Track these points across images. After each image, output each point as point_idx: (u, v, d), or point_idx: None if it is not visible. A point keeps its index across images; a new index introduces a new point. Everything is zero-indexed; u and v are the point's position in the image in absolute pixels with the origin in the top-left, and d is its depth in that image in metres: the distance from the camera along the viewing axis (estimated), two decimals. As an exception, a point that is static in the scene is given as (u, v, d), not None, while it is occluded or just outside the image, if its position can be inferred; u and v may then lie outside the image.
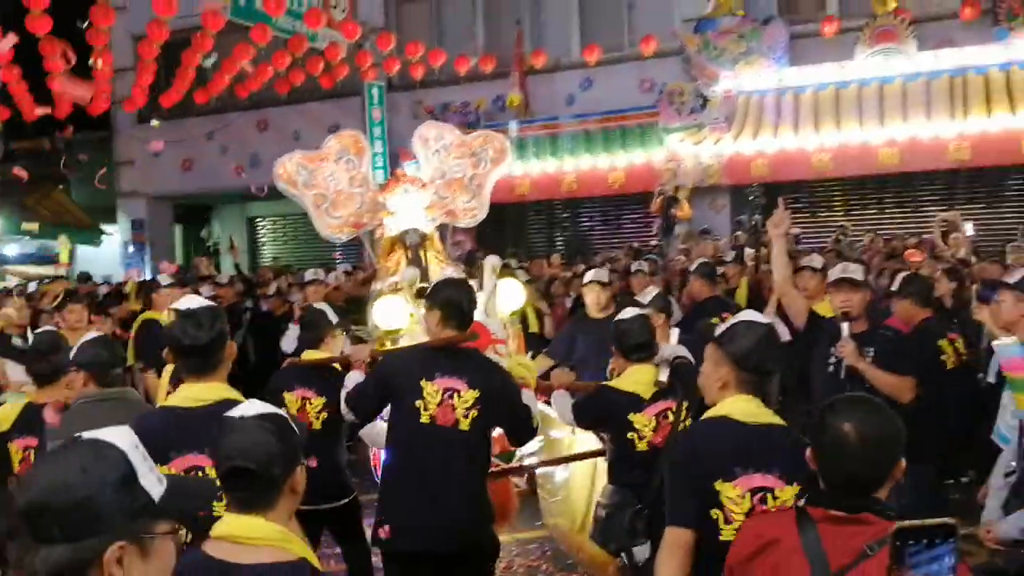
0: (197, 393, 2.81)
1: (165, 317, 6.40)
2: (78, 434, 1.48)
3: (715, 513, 2.58)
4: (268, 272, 12.36)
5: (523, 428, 3.85)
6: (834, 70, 12.32)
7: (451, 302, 3.73)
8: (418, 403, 3.59)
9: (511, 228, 14.48)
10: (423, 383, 3.60)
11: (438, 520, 3.52)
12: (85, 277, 13.71)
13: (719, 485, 2.58)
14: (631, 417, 3.86)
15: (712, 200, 13.07)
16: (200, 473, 2.65)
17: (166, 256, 17.01)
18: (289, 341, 6.20)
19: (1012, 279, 4.35)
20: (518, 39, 14.22)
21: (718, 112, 12.57)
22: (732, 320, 2.88)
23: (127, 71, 14.98)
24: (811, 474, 2.26)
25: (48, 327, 5.65)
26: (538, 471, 4.84)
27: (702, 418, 2.86)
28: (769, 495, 2.57)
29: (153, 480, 1.46)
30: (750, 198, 12.89)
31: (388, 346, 4.76)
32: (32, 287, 11.40)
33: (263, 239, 19.05)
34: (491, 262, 5.30)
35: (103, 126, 17.40)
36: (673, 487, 2.71)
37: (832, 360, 4.46)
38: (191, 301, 2.94)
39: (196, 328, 2.78)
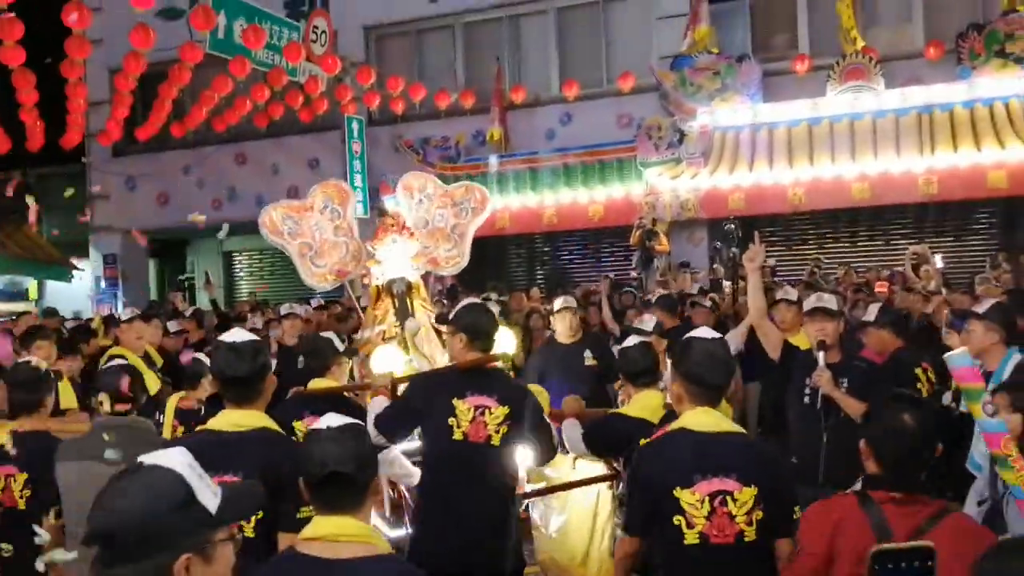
0: (236, 419, 2.97)
1: (131, 353, 6.36)
2: (139, 460, 1.62)
3: (677, 519, 2.79)
4: (245, 306, 12.30)
5: (547, 445, 3.95)
6: (806, 107, 12.61)
7: (475, 326, 3.87)
8: (451, 420, 3.70)
9: (491, 262, 14.55)
10: (455, 401, 3.71)
11: (470, 536, 3.59)
12: (51, 312, 13.48)
13: (678, 492, 2.79)
14: (641, 443, 3.93)
15: (690, 234, 13.26)
16: None
17: (140, 291, 16.86)
18: None
19: (981, 309, 4.53)
20: (498, 75, 14.41)
21: (695, 147, 12.78)
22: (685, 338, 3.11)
23: (102, 104, 14.93)
24: (777, 473, 2.68)
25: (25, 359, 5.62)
26: (534, 514, 4.83)
27: (662, 432, 3.09)
28: (728, 498, 2.77)
29: (209, 495, 1.62)
30: (725, 227, 13.05)
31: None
32: (-1, 322, 11.15)
33: (239, 274, 18.93)
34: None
35: (76, 159, 17.27)
36: (631, 499, 3.07)
37: (807, 391, 4.56)
38: (236, 334, 3.08)
39: (238, 360, 2.94)
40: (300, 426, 4.40)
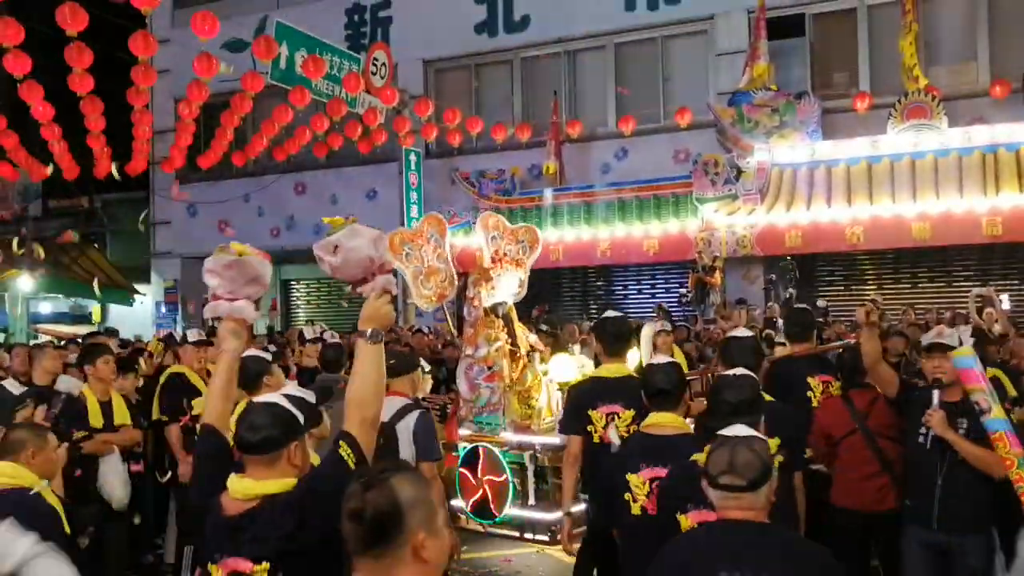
0: (246, 487, 2.58)
1: (190, 371, 6.61)
2: None
3: (627, 496, 3.62)
4: (295, 332, 12.41)
5: None
6: (866, 144, 12.42)
7: (616, 333, 4.75)
8: (589, 428, 4.50)
9: (545, 294, 14.53)
10: (590, 412, 4.50)
11: None
12: (111, 332, 13.78)
13: (629, 476, 3.63)
14: None
15: (746, 271, 13.10)
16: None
17: (198, 316, 17.14)
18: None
19: None
20: (555, 109, 14.48)
21: (751, 183, 12.66)
22: None
23: (167, 132, 15.33)
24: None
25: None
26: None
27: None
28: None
29: None
30: (781, 265, 12.87)
31: None
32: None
33: (296, 302, 19.17)
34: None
35: (141, 186, 17.73)
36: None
37: (922, 430, 4.29)
38: (270, 396, 2.75)
39: (249, 429, 2.56)
40: None
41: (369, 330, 2.71)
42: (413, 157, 14.98)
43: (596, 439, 4.45)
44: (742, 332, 4.82)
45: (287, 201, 16.63)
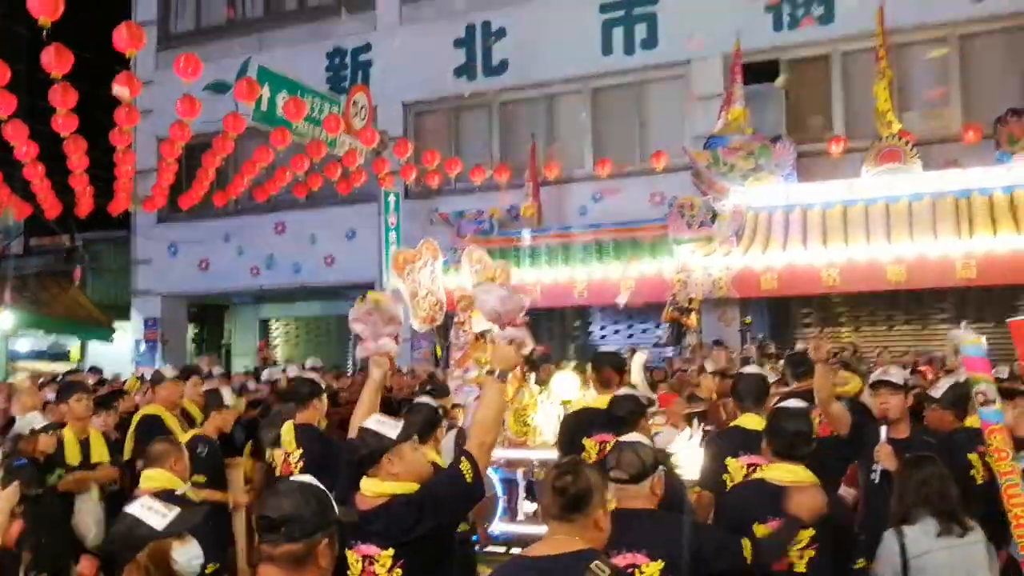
0: (376, 487, 3.16)
1: (164, 412, 6.56)
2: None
3: None
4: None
5: None
6: (841, 188, 12.53)
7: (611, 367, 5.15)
8: (584, 455, 4.68)
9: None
10: (584, 441, 4.83)
11: None
12: (95, 370, 13.72)
13: None
14: None
15: (722, 312, 13.16)
16: None
17: (178, 354, 17.09)
18: None
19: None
20: (532, 151, 14.61)
21: (727, 226, 12.74)
22: None
23: (149, 172, 15.38)
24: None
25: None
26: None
27: None
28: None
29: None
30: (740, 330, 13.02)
31: None
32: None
33: (275, 341, 19.13)
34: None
35: (122, 225, 17.75)
36: None
37: (874, 466, 4.42)
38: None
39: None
40: None
41: (497, 370, 3.41)
42: (392, 198, 15.05)
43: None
44: (752, 369, 5.10)
45: (267, 241, 16.67)
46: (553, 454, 5.90)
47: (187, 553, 2.49)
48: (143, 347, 17.93)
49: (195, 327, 19.46)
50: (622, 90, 14.74)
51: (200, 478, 5.35)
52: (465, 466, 3.17)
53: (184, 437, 6.16)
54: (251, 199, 14.87)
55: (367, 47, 16.24)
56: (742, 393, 4.74)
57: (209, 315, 19.63)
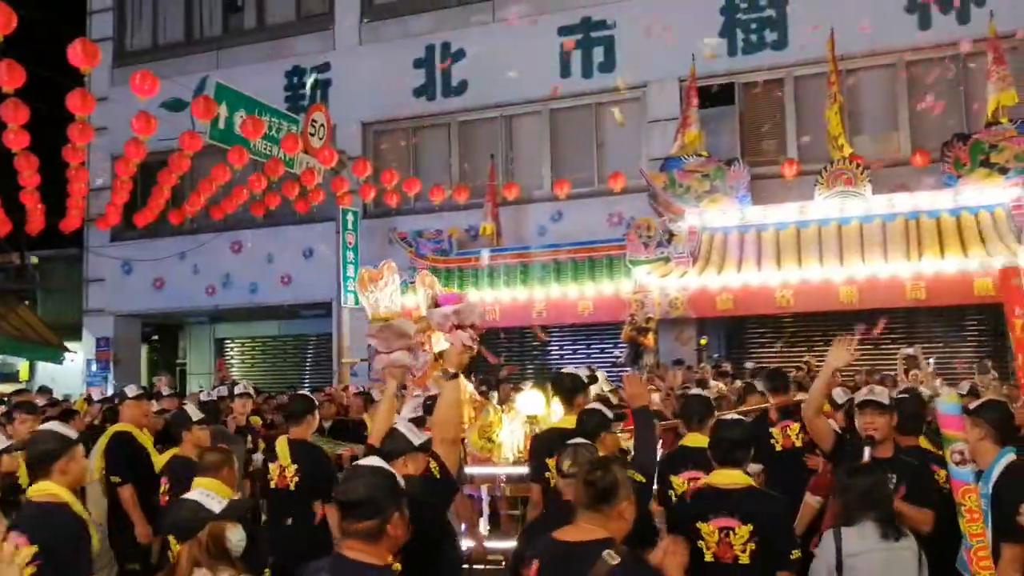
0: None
1: (134, 429, 6.54)
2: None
3: None
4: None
5: None
6: (794, 210, 12.75)
7: (571, 388, 5.25)
8: (547, 475, 4.76)
9: (481, 354, 14.56)
10: (547, 460, 4.76)
11: None
12: (44, 391, 13.45)
13: None
14: None
15: (679, 332, 13.28)
16: None
17: (131, 375, 16.82)
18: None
19: (971, 406, 4.51)
20: (491, 172, 14.68)
21: (683, 247, 12.89)
22: None
23: (103, 190, 15.19)
24: None
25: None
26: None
27: None
28: None
29: None
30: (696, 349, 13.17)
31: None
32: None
33: (230, 360, 18.92)
34: None
35: (74, 243, 17.48)
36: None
37: None
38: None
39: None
40: None
41: (448, 371, 3.90)
42: (351, 217, 15.01)
43: (552, 484, 4.86)
44: (696, 391, 5.59)
45: (223, 259, 16.50)
46: (517, 469, 6.02)
47: (238, 535, 2.89)
48: (95, 367, 17.62)
49: (149, 347, 19.18)
50: (580, 112, 14.87)
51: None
52: (432, 465, 3.59)
53: (160, 458, 6.15)
54: (207, 217, 14.74)
55: (326, 66, 16.23)
56: (687, 414, 5.22)
57: (163, 335, 19.36)
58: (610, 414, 4.89)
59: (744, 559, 3.79)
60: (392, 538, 2.74)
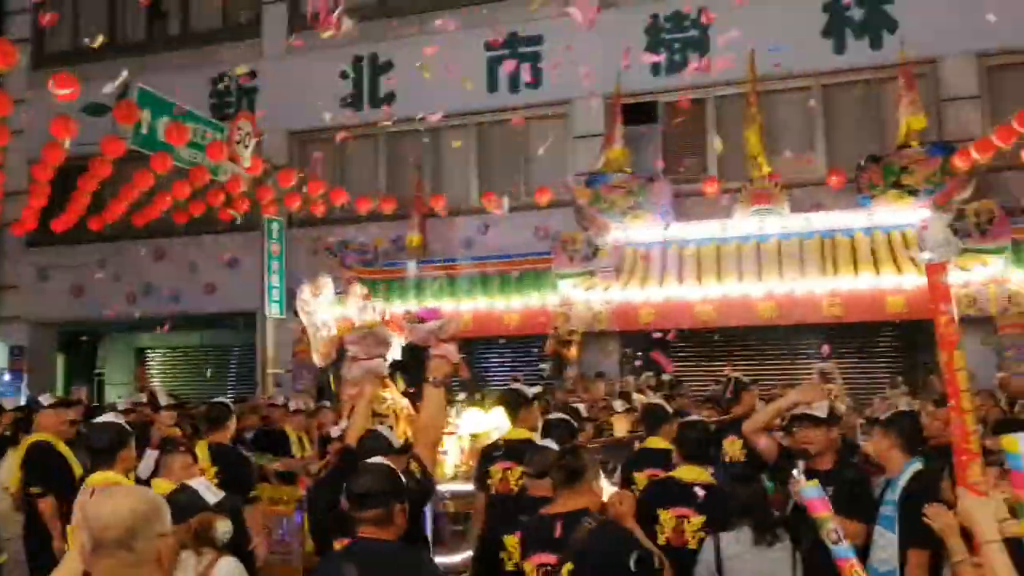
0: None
1: (53, 438, 6.42)
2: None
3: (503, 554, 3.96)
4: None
5: None
6: (715, 227, 13.05)
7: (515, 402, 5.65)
8: (489, 482, 5.37)
9: (407, 365, 14.53)
10: (490, 468, 5.37)
11: None
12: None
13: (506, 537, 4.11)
14: None
15: (602, 345, 13.45)
16: None
17: (46, 385, 16.33)
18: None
19: (883, 417, 4.68)
20: (419, 184, 14.69)
21: (608, 261, 13.05)
22: None
23: (19, 194, 14.76)
24: None
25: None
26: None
27: None
28: None
29: None
30: (637, 352, 13.34)
31: None
32: None
33: (152, 371, 18.51)
34: None
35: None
36: None
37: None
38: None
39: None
40: None
41: (433, 378, 4.14)
42: (275, 226, 14.87)
43: (493, 491, 5.31)
44: (654, 399, 6.29)
45: (144, 268, 16.17)
46: (461, 486, 6.27)
47: (224, 526, 3.31)
48: (7, 377, 17.07)
49: (65, 356, 18.65)
50: (507, 126, 14.98)
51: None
52: (414, 466, 3.91)
53: (80, 468, 6.03)
54: (129, 224, 14.43)
55: (253, 74, 16.08)
56: (647, 421, 5.89)
57: (81, 344, 18.85)
58: (575, 424, 5.54)
59: (692, 545, 4.37)
60: (398, 525, 3.16)
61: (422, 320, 5.86)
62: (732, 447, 6.25)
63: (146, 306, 16.21)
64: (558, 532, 3.53)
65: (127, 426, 4.47)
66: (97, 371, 18.59)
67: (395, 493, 3.17)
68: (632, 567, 3.44)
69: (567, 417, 5.49)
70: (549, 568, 3.54)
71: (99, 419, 4.71)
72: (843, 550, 3.65)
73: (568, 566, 3.45)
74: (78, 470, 6.13)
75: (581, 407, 8.56)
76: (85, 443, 4.46)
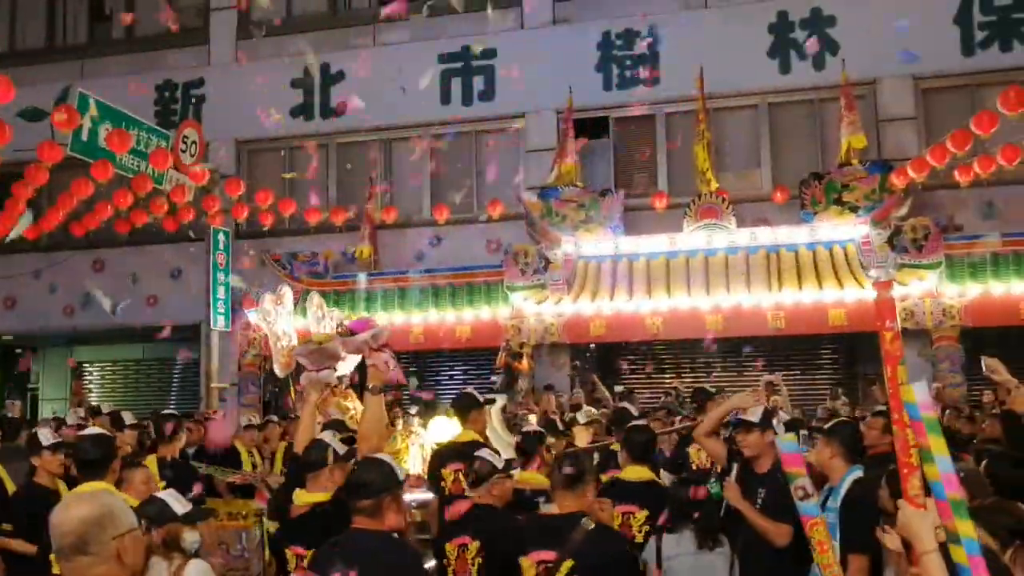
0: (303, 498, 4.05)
1: None
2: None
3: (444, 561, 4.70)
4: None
5: None
6: (664, 241, 13.24)
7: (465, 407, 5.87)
8: (441, 484, 5.60)
9: (358, 377, 14.37)
10: (442, 471, 5.58)
11: None
12: None
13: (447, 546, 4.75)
14: None
15: (554, 358, 13.49)
16: None
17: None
18: None
19: (825, 427, 4.84)
20: (370, 195, 14.59)
21: (559, 274, 13.15)
22: None
23: (-49, 202, 14.25)
24: None
25: None
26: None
27: None
28: None
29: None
30: (587, 355, 13.39)
31: None
32: None
33: (89, 385, 17.98)
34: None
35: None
36: None
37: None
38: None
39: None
40: None
41: (372, 386, 4.27)
42: (222, 237, 14.58)
43: (446, 492, 5.49)
44: (626, 405, 6.93)
45: (83, 279, 15.70)
46: (426, 495, 6.25)
47: (192, 536, 3.45)
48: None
49: (-2, 370, 18.03)
50: (460, 139, 14.97)
51: (7, 526, 5.12)
52: None
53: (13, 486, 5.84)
54: (67, 234, 14.01)
55: (200, 82, 15.82)
56: (614, 427, 6.45)
57: (14, 357, 18.21)
58: (544, 433, 5.89)
59: (639, 539, 4.75)
60: (390, 518, 3.25)
61: (352, 332, 5.85)
62: (699, 455, 6.45)
63: (84, 318, 15.79)
64: (558, 532, 3.74)
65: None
66: (31, 386, 17.99)
67: (386, 485, 3.25)
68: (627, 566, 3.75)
69: (540, 430, 5.86)
70: (548, 565, 3.74)
71: (88, 431, 4.92)
72: (809, 507, 3.74)
73: (568, 563, 3.66)
74: (11, 488, 5.98)
75: (531, 418, 8.67)
76: (75, 455, 4.54)
